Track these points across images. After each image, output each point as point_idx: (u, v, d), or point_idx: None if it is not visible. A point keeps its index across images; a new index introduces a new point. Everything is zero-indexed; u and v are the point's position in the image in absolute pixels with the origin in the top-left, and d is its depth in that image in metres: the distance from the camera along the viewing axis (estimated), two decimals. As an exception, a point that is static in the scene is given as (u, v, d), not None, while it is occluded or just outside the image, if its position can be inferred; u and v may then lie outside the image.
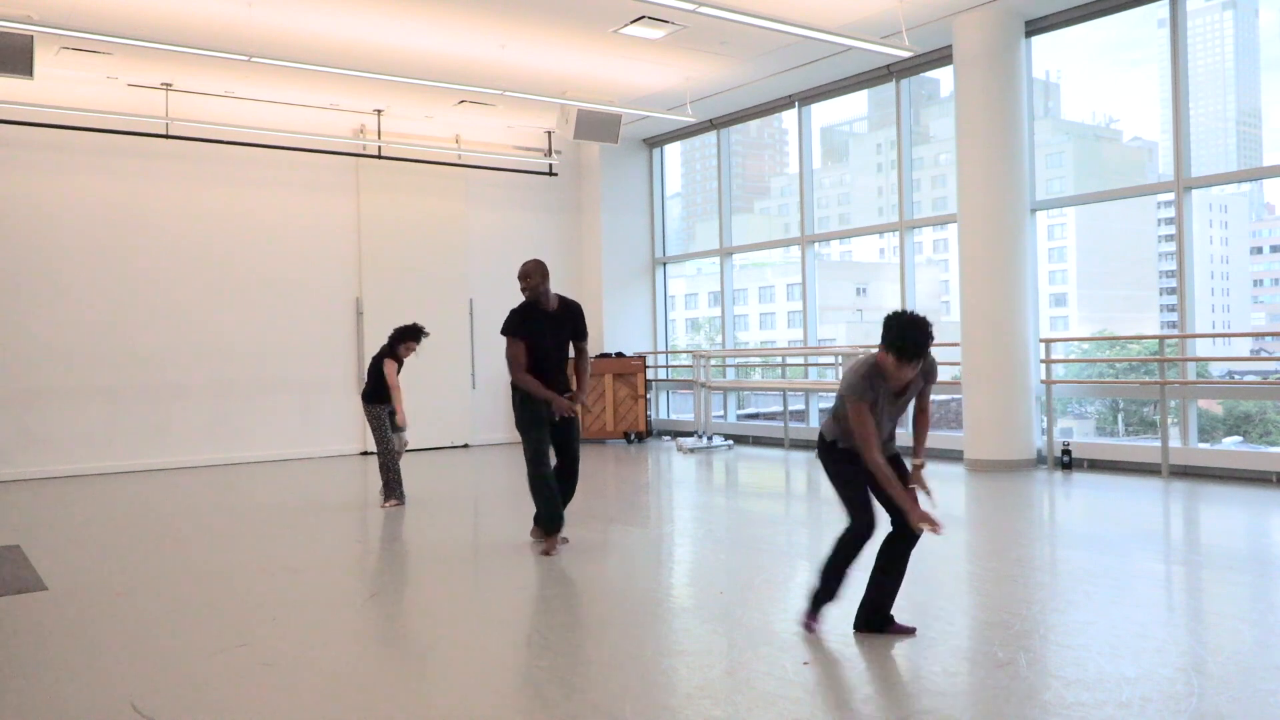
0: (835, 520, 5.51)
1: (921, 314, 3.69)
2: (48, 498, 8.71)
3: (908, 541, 3.93)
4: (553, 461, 5.88)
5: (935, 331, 3.72)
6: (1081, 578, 4.93)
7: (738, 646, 3.97)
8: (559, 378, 5.79)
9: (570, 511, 6.02)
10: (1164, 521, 6.76)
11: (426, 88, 10.28)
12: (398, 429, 7.67)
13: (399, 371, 7.64)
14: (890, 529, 3.97)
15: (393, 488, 7.66)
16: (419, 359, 8.64)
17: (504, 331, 5.71)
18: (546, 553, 5.69)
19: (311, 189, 11.65)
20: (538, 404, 5.68)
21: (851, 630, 4.01)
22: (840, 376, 9.97)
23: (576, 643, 4.04)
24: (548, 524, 5.74)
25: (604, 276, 13.47)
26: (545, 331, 5.72)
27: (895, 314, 3.68)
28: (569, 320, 5.84)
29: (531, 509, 5.97)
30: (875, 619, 3.97)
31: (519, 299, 5.81)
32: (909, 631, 3.96)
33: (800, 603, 4.73)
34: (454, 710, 3.30)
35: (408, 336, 7.58)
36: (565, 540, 5.97)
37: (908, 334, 3.60)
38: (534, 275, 5.68)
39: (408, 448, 8.09)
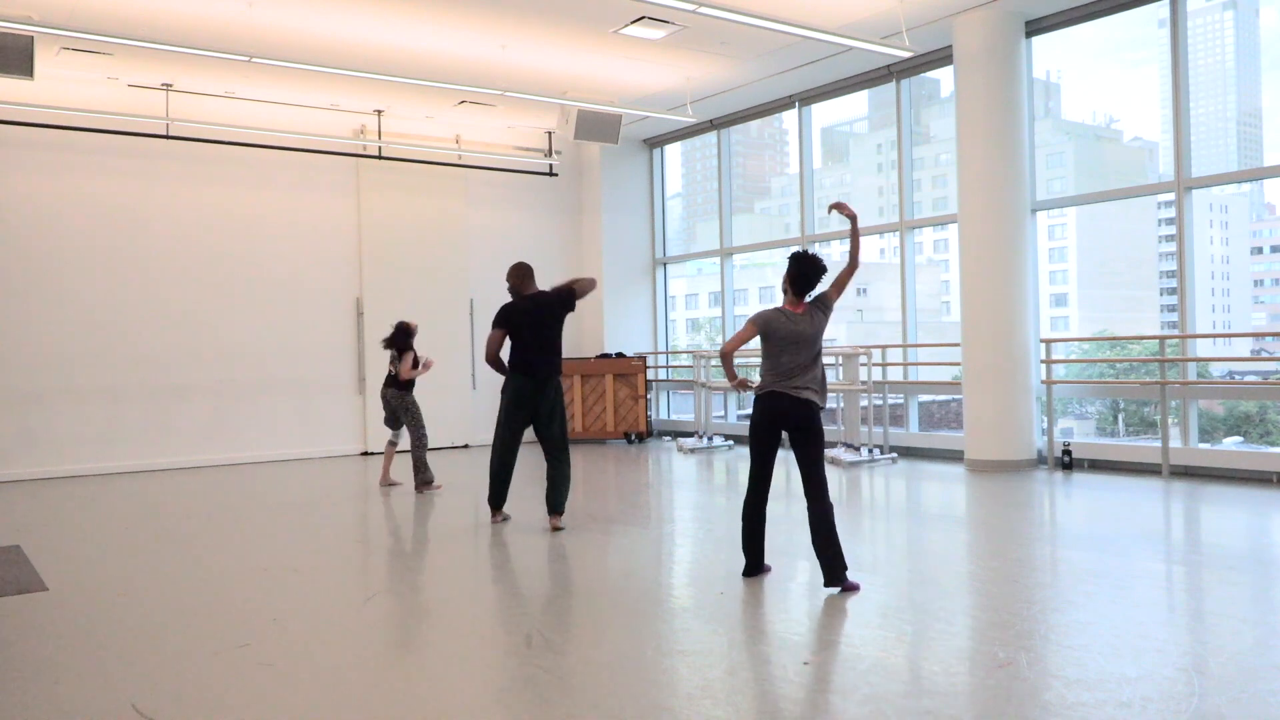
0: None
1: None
2: (48, 498, 8.71)
3: (813, 508, 4.79)
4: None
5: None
6: (1082, 578, 4.93)
7: (738, 646, 3.97)
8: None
9: (571, 511, 6.10)
10: (1164, 521, 6.76)
11: (426, 88, 10.28)
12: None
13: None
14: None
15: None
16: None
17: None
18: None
19: (312, 189, 11.65)
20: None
21: (856, 630, 4.03)
22: (841, 377, 9.98)
23: (576, 643, 4.04)
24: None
25: (604, 277, 13.45)
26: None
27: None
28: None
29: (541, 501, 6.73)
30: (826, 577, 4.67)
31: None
32: (854, 588, 4.65)
33: (801, 602, 4.74)
34: (454, 710, 3.30)
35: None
36: (507, 518, 6.82)
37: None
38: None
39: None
